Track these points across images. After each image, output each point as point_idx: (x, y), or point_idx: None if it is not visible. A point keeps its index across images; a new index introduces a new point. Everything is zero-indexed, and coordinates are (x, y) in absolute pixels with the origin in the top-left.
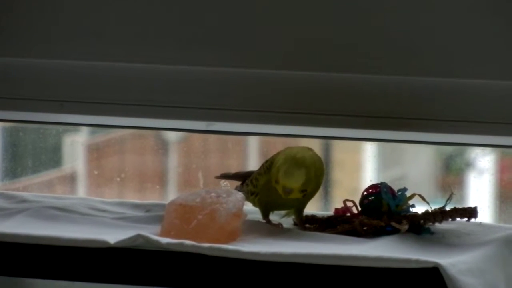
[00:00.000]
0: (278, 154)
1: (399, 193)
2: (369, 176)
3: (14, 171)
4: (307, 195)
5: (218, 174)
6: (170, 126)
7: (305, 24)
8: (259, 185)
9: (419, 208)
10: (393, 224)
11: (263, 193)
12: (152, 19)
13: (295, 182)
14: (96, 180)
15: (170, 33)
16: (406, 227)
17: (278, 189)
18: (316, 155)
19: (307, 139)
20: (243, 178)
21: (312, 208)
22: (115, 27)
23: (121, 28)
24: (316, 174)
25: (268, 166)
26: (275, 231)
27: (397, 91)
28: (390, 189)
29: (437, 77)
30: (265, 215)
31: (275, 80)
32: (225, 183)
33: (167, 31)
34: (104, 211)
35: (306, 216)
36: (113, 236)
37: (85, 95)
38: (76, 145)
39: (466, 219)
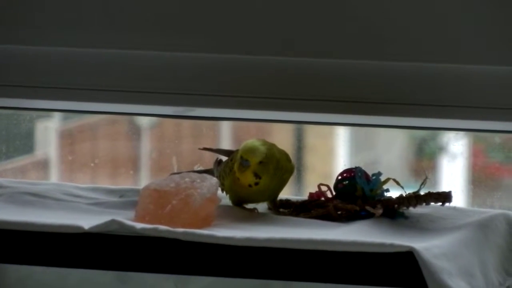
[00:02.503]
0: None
1: (374, 177)
2: (342, 161)
3: None
4: (260, 189)
5: (192, 159)
6: (144, 111)
7: (278, 9)
8: (226, 185)
9: (393, 193)
10: (368, 208)
11: (231, 193)
12: (126, 5)
13: (254, 155)
14: (70, 165)
15: (143, 18)
16: (380, 211)
17: (236, 171)
18: (281, 152)
19: (280, 124)
20: (226, 154)
21: (286, 192)
22: (88, 13)
23: (94, 15)
24: (277, 167)
25: (228, 170)
26: (249, 216)
27: (369, 76)
28: (364, 173)
29: (409, 61)
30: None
31: (248, 66)
32: (198, 166)
33: (140, 17)
34: (78, 196)
35: (281, 200)
36: (87, 221)
37: (59, 81)
38: (50, 131)
39: (441, 203)
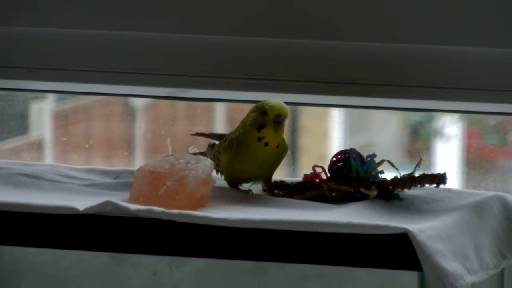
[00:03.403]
0: (235, 130)
1: (368, 159)
2: (336, 143)
3: None
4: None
5: (187, 140)
6: (138, 92)
7: None
8: (221, 165)
9: (388, 174)
10: (362, 190)
11: (226, 173)
12: None
13: (284, 108)
14: (64, 147)
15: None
16: (375, 193)
17: (270, 135)
18: None
19: None
20: (218, 137)
21: (281, 174)
22: None
23: None
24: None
25: (227, 145)
26: (244, 197)
27: (364, 57)
28: (359, 155)
29: (405, 43)
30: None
31: (242, 47)
32: (193, 147)
33: None
34: (73, 177)
35: (275, 182)
36: (82, 203)
37: (53, 62)
38: (44, 112)
39: (435, 185)
